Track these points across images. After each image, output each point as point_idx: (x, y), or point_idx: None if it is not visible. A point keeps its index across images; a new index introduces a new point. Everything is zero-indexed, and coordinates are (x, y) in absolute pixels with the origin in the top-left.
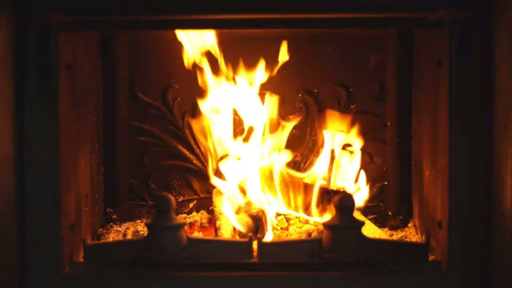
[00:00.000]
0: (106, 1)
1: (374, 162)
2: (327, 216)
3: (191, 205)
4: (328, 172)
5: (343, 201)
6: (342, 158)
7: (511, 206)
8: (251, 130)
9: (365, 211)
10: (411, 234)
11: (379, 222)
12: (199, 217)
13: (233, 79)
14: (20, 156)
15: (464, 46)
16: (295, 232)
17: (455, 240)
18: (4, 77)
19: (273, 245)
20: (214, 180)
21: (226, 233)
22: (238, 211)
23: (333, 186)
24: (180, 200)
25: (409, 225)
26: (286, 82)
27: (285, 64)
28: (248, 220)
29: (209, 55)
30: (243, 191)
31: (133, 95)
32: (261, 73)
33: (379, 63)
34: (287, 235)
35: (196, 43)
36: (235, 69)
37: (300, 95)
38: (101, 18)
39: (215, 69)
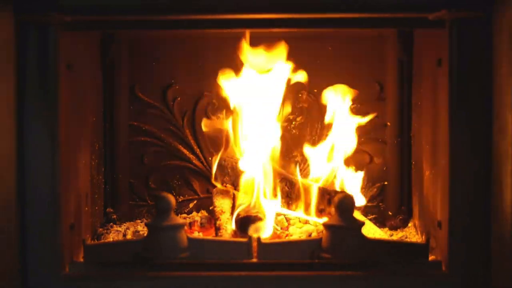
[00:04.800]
0: (106, 1)
1: (374, 162)
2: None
3: (191, 205)
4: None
5: (343, 201)
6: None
7: (511, 206)
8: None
9: (365, 211)
10: (411, 234)
11: (379, 222)
12: (199, 217)
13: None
14: (20, 156)
15: (464, 46)
16: (295, 232)
17: (455, 240)
18: (4, 77)
19: (273, 245)
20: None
21: (226, 233)
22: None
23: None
24: (180, 200)
25: (409, 225)
26: (286, 82)
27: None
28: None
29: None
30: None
31: (133, 95)
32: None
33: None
34: (287, 235)
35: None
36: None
37: (300, 95)
38: (101, 18)
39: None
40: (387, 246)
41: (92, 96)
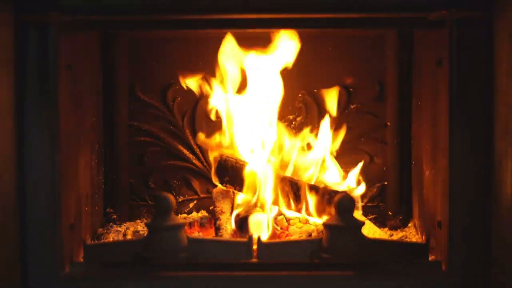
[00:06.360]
0: (106, 1)
1: (374, 162)
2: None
3: (191, 205)
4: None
5: (343, 201)
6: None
7: (511, 206)
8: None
9: (365, 211)
10: (411, 234)
11: (379, 222)
12: (199, 217)
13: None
14: (20, 156)
15: (464, 46)
16: (295, 232)
17: (455, 240)
18: (4, 77)
19: (273, 245)
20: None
21: (226, 233)
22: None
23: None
24: (180, 200)
25: (409, 225)
26: (286, 82)
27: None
28: None
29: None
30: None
31: (133, 95)
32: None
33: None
34: (287, 235)
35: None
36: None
37: (300, 95)
38: (101, 18)
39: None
40: (387, 246)
41: (92, 96)
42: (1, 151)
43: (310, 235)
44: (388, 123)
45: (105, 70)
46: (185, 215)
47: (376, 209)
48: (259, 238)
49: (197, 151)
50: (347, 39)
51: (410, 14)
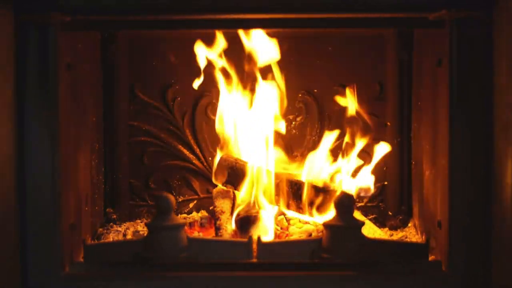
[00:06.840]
0: (106, 1)
1: None
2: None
3: (191, 205)
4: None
5: (343, 201)
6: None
7: (511, 206)
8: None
9: (365, 211)
10: (411, 234)
11: (379, 222)
12: (199, 217)
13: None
14: (20, 156)
15: (464, 46)
16: (295, 232)
17: (455, 240)
18: (4, 77)
19: (273, 245)
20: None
21: (226, 233)
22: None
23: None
24: (180, 200)
25: (409, 225)
26: (286, 82)
27: (285, 64)
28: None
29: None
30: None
31: (133, 95)
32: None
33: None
34: (287, 235)
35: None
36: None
37: (300, 95)
38: (101, 18)
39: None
40: (387, 246)
41: (92, 96)
42: (1, 151)
43: (310, 235)
44: (388, 123)
45: (105, 70)
46: (185, 215)
47: (376, 209)
48: (259, 238)
49: (197, 151)
50: (347, 39)
51: (410, 14)
